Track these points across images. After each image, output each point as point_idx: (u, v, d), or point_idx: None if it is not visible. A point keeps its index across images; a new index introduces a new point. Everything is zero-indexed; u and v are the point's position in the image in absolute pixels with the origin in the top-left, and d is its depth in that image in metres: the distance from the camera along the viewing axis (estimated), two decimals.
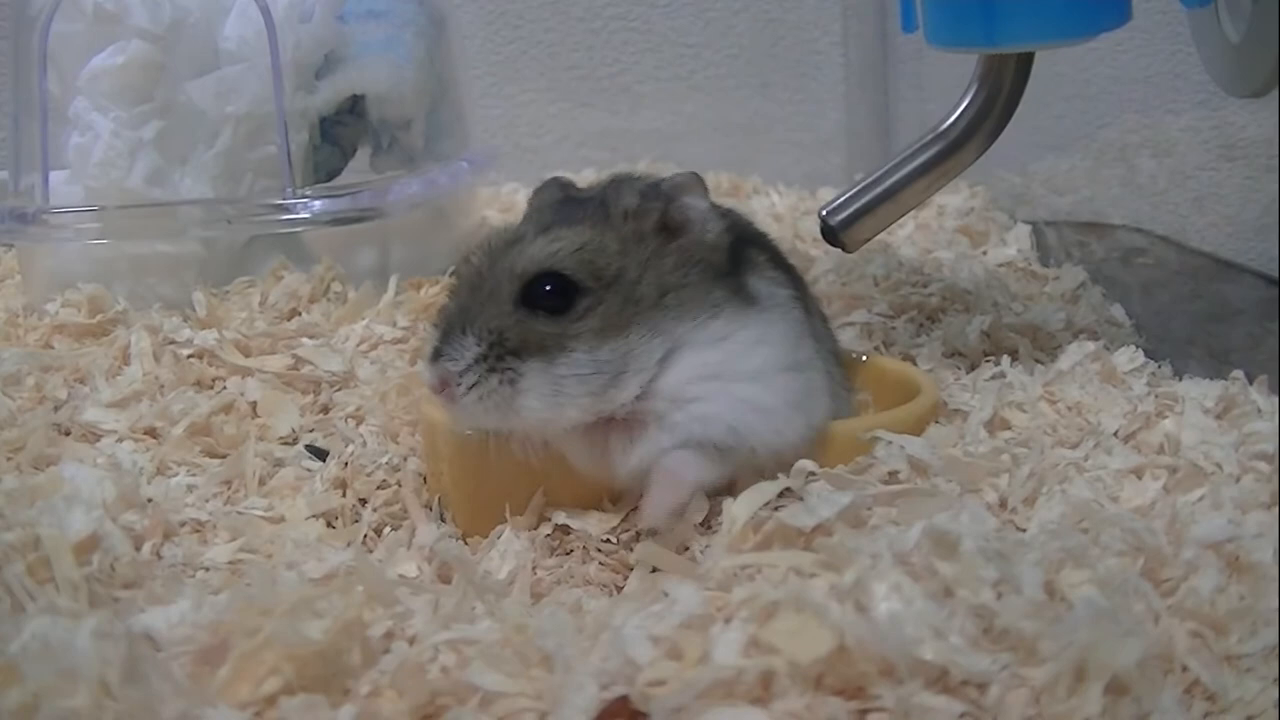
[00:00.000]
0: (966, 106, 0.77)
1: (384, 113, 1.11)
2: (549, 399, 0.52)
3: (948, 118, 0.77)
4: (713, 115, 1.62)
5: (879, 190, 0.78)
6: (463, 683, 0.43)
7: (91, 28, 1.05)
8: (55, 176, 1.05)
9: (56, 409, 0.78)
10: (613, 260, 0.53)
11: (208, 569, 0.59)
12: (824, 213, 0.78)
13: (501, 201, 1.36)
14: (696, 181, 0.55)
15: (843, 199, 0.78)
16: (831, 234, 0.78)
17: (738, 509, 0.50)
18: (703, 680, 0.40)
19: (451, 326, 0.53)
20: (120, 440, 0.74)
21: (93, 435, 0.75)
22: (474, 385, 0.52)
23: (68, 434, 0.76)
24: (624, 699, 0.41)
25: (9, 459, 0.68)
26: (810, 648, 0.40)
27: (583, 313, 0.52)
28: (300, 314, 0.92)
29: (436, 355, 0.53)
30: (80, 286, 1.00)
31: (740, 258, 0.57)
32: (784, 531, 0.49)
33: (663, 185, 0.55)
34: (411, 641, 0.46)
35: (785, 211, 1.34)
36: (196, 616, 0.47)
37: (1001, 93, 0.76)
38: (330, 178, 1.07)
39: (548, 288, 0.52)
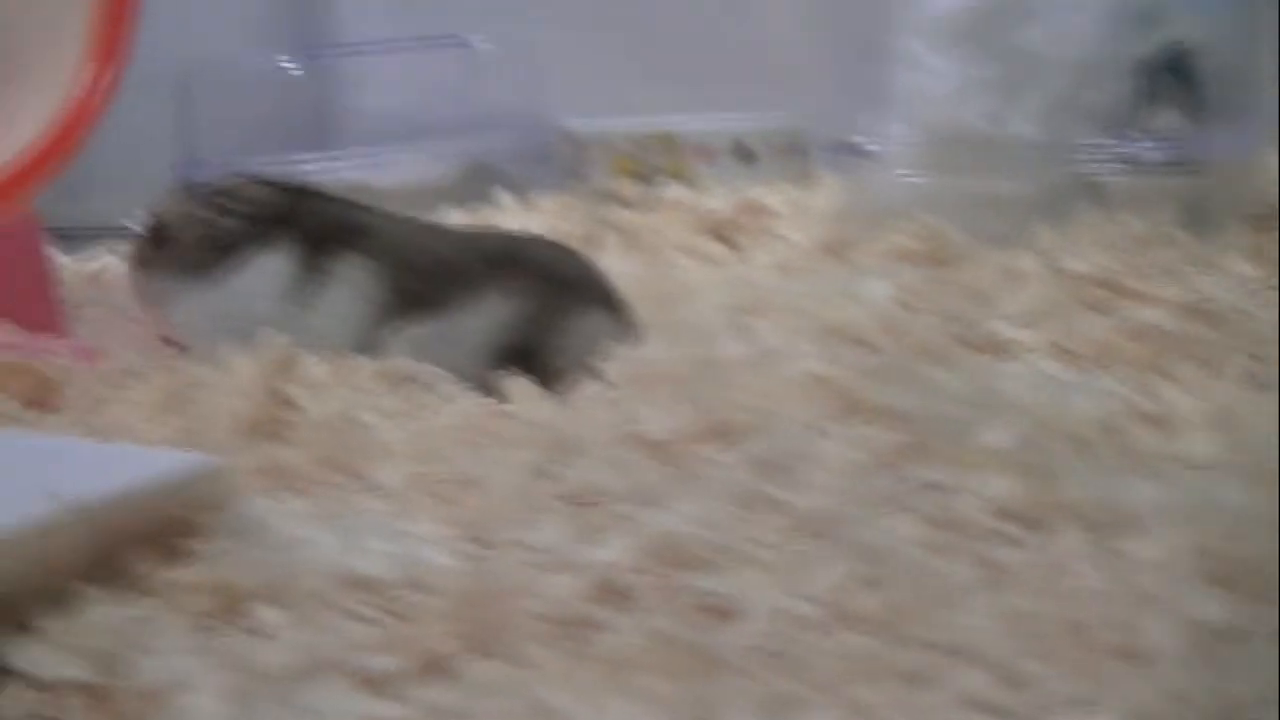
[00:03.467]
0: None
1: (1206, 64, 1.12)
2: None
3: None
4: None
5: None
6: None
7: None
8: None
9: (959, 323, 0.82)
10: (174, 224, 0.76)
11: None
12: None
13: None
14: (239, 187, 0.75)
15: None
16: None
17: None
18: None
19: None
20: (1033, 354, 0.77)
21: (1001, 349, 0.79)
22: None
23: (971, 346, 0.79)
24: None
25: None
26: None
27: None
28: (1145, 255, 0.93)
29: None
30: (917, 217, 1.06)
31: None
32: None
33: (217, 187, 0.75)
34: None
35: None
36: None
37: None
38: (1149, 126, 1.09)
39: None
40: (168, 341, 0.77)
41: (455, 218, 1.18)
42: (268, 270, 0.71)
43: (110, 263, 1.09)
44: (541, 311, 0.71)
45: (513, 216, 1.20)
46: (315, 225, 0.74)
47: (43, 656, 0.39)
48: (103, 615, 0.41)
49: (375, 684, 0.39)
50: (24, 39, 0.77)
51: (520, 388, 0.64)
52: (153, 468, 0.47)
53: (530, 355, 0.70)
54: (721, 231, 1.14)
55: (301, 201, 0.72)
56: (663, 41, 1.47)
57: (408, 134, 1.36)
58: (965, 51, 1.08)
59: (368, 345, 0.67)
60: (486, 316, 0.71)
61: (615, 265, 0.97)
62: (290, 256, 0.70)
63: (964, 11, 1.08)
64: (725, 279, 0.98)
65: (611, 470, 0.51)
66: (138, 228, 0.80)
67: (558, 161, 1.36)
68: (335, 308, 0.73)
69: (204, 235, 0.71)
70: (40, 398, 0.70)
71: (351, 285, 0.72)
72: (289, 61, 1.41)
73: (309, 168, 1.19)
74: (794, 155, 1.30)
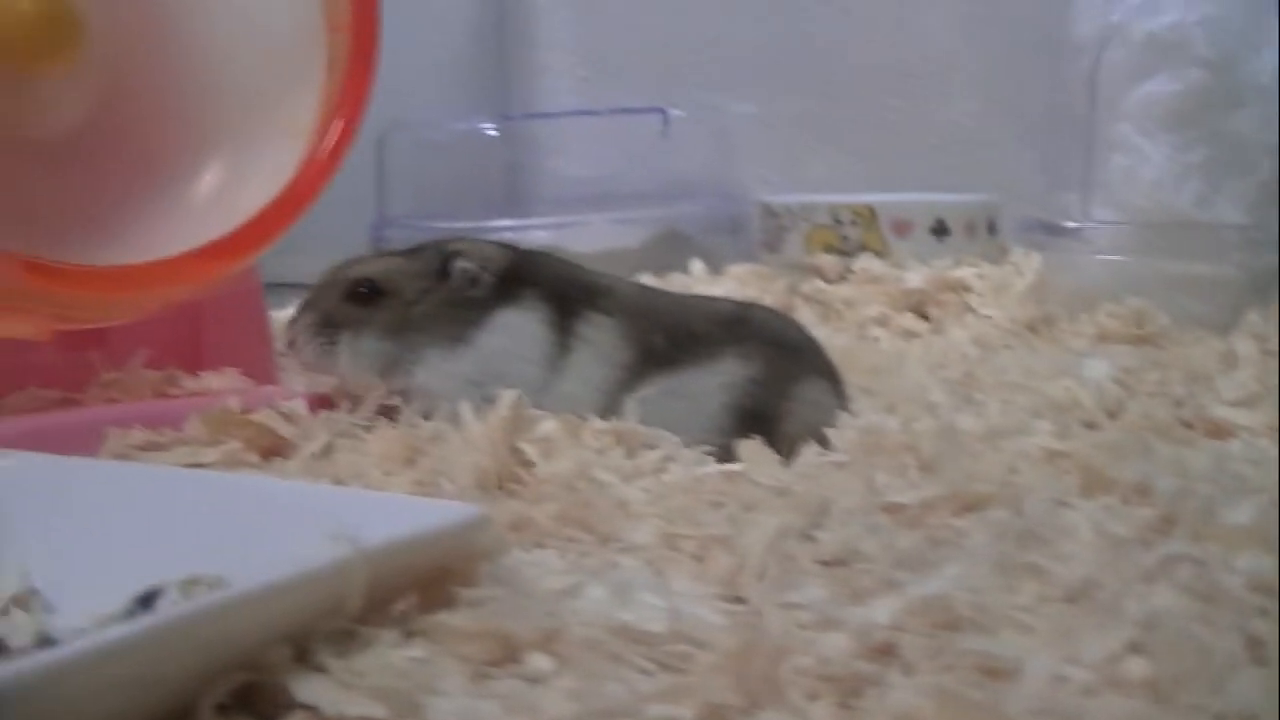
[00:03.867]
0: None
1: None
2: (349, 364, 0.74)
3: None
4: None
5: None
6: None
7: (1139, 55, 1.11)
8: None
9: (1178, 404, 0.82)
10: (396, 282, 0.73)
11: None
12: None
13: None
14: (472, 247, 0.73)
15: None
16: None
17: None
18: None
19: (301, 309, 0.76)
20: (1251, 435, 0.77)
21: (1222, 430, 0.79)
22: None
23: (1190, 427, 0.79)
24: None
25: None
26: None
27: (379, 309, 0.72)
28: None
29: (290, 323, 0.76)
30: (1124, 300, 1.05)
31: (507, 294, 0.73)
32: None
33: (449, 247, 0.73)
34: None
35: None
36: None
37: None
38: None
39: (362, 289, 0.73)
40: (383, 406, 0.77)
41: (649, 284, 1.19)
42: (516, 330, 0.71)
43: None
44: (772, 376, 0.71)
45: (704, 284, 1.21)
46: (557, 284, 0.75)
47: (330, 693, 0.40)
48: (385, 656, 0.42)
49: None
50: (261, 90, 0.79)
51: (753, 451, 0.64)
52: (425, 515, 0.48)
53: (758, 419, 0.70)
54: (918, 306, 1.14)
55: (536, 261, 0.73)
56: (860, 117, 1.48)
57: (601, 200, 1.38)
58: (1174, 136, 1.07)
59: (610, 408, 0.67)
60: (720, 377, 0.71)
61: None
62: (537, 316, 0.70)
63: (1174, 96, 1.08)
64: (929, 352, 0.98)
65: (867, 535, 0.51)
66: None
67: (751, 232, 1.38)
68: (581, 369, 0.73)
69: (444, 293, 0.71)
70: (272, 446, 0.72)
71: (596, 345, 0.73)
72: (486, 125, 1.44)
73: (503, 230, 1.21)
74: (989, 232, 1.30)
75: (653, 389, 0.72)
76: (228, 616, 0.40)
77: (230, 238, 0.77)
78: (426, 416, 0.67)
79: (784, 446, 0.68)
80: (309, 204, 0.78)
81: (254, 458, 0.71)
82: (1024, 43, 1.51)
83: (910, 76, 1.54)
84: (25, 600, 0.53)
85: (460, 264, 0.75)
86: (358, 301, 0.73)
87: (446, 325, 0.71)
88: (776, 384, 0.72)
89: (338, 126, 0.78)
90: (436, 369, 0.71)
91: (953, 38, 1.52)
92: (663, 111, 1.41)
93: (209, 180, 0.84)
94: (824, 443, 0.63)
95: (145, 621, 0.39)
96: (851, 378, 0.87)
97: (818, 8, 1.55)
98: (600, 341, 0.70)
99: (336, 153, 0.78)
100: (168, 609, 0.40)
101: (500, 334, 0.71)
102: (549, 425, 0.68)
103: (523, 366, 0.69)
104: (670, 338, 0.68)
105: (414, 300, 0.72)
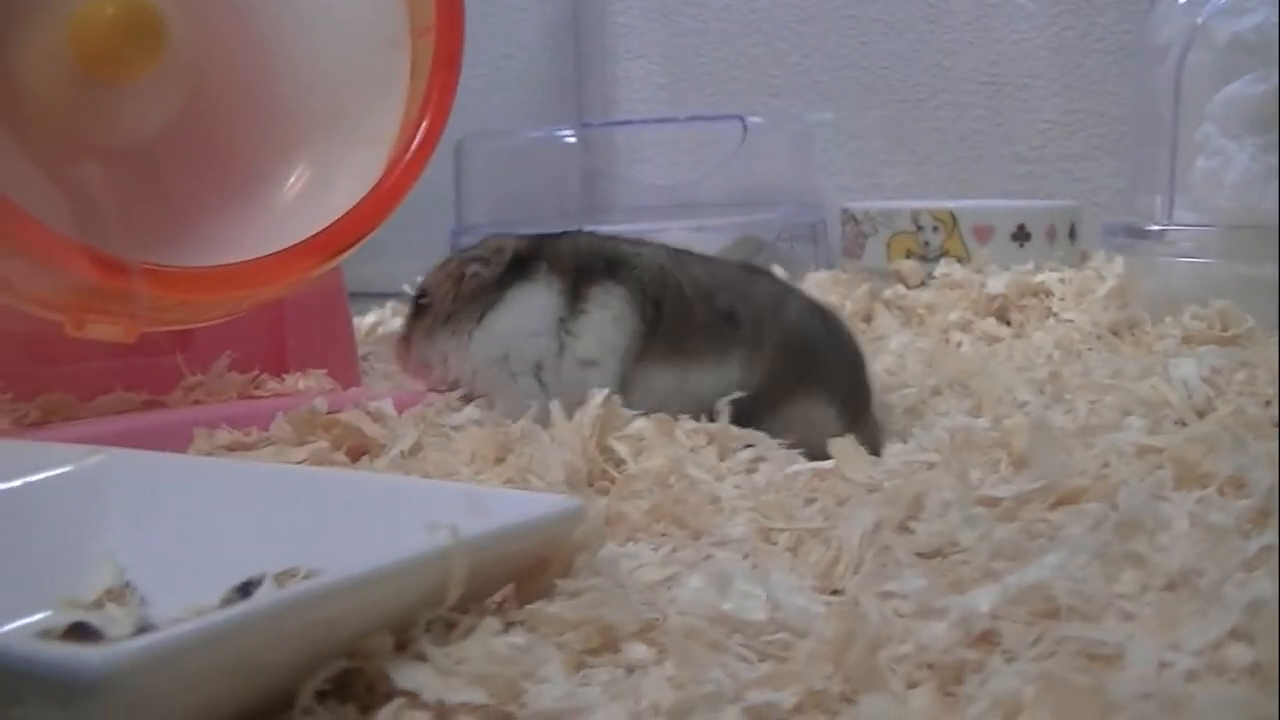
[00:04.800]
0: None
1: None
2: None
3: None
4: None
5: None
6: None
7: (1223, 57, 1.10)
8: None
9: (1267, 403, 0.81)
10: (433, 290, 0.77)
11: None
12: None
13: None
14: (485, 242, 0.77)
15: None
16: None
17: None
18: None
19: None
20: None
21: None
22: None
23: None
24: None
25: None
26: None
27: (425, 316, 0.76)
28: None
29: None
30: (1208, 302, 1.04)
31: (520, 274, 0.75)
32: None
33: (464, 254, 0.77)
34: None
35: None
36: None
37: None
38: None
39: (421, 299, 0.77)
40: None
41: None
42: (524, 304, 0.72)
43: (383, 317, 1.14)
44: (767, 390, 0.71)
45: None
46: (574, 257, 0.75)
47: (431, 680, 0.40)
48: (485, 644, 0.41)
49: (766, 718, 0.39)
50: (345, 95, 0.80)
51: (844, 448, 0.64)
52: (524, 507, 0.47)
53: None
54: (1000, 311, 1.13)
55: (550, 241, 0.73)
56: (938, 125, 1.47)
57: (679, 207, 1.38)
58: (1259, 137, 1.06)
59: (628, 378, 0.68)
60: (715, 381, 0.71)
61: (894, 341, 0.98)
62: (546, 288, 0.71)
63: (1258, 98, 1.07)
64: (1012, 356, 0.97)
65: (965, 527, 0.51)
66: (413, 295, 0.82)
67: (830, 239, 1.37)
68: (594, 335, 0.73)
69: (458, 290, 0.73)
70: (359, 446, 0.72)
71: (607, 311, 0.72)
72: (565, 132, 1.44)
73: None
74: (1070, 238, 1.29)
75: (655, 371, 0.72)
76: (329, 603, 0.40)
77: (317, 239, 0.77)
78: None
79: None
80: (395, 205, 0.78)
81: (341, 457, 0.71)
82: (1104, 49, 1.50)
83: (989, 84, 1.53)
84: (119, 594, 0.54)
85: (471, 263, 0.76)
86: (417, 310, 0.77)
87: (464, 319, 0.74)
88: (769, 398, 0.72)
89: (424, 129, 0.79)
90: (462, 359, 0.74)
91: (1033, 44, 1.51)
92: (741, 119, 1.41)
93: (293, 184, 0.85)
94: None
95: (248, 606, 0.39)
96: (937, 380, 0.87)
97: (895, 16, 1.54)
98: (612, 307, 0.70)
99: (422, 155, 0.78)
100: (270, 595, 0.40)
101: (509, 310, 0.72)
102: (641, 424, 0.68)
103: (533, 339, 0.71)
104: (682, 319, 0.69)
105: (442, 302, 0.75)
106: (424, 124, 0.78)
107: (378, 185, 0.77)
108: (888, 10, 1.54)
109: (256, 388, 0.83)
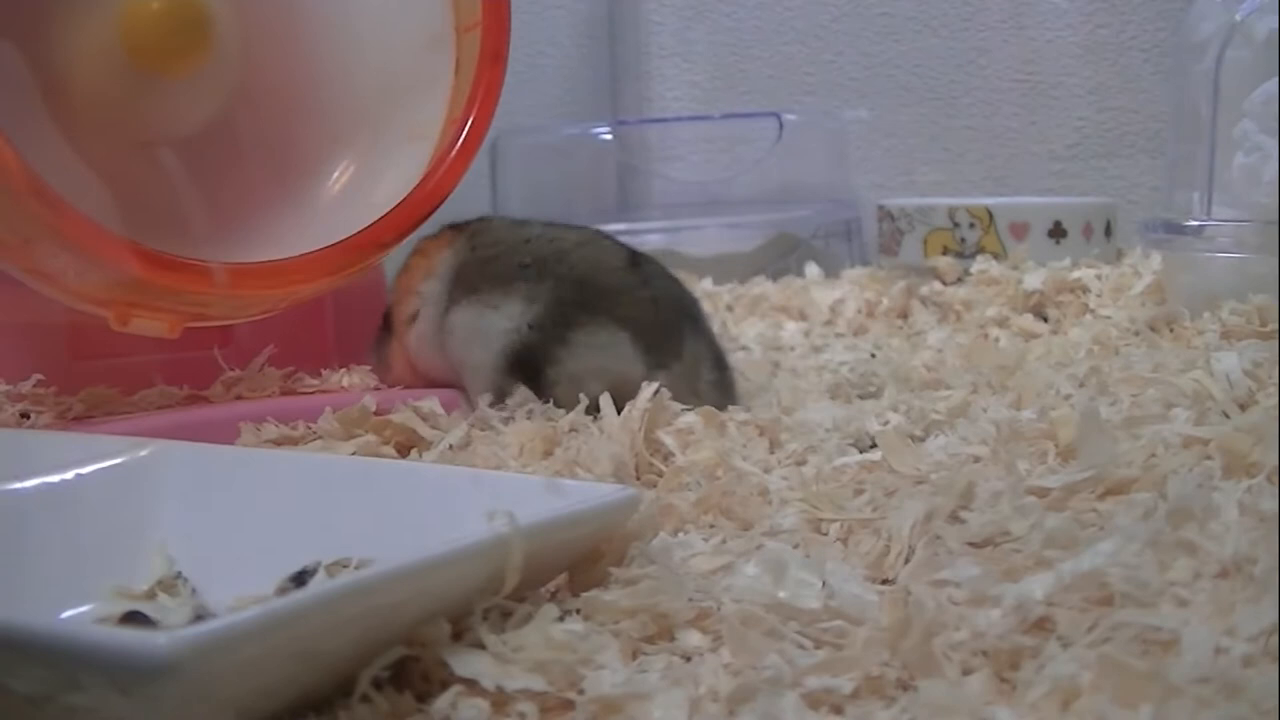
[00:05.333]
0: None
1: None
2: None
3: None
4: None
5: None
6: None
7: (1262, 53, 1.09)
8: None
9: None
10: None
11: None
12: None
13: None
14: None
15: None
16: None
17: None
18: None
19: None
20: None
21: None
22: None
23: None
24: None
25: None
26: None
27: None
28: None
29: None
30: (1247, 298, 1.04)
31: None
32: None
33: None
34: None
35: None
36: None
37: None
38: None
39: None
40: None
41: (763, 288, 1.20)
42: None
43: None
44: (550, 320, 0.76)
45: (820, 288, 1.20)
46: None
47: (490, 668, 0.40)
48: (544, 631, 0.42)
49: (824, 703, 0.39)
50: (390, 90, 0.80)
51: (891, 440, 0.64)
52: (578, 495, 0.48)
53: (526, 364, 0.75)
54: (1037, 307, 1.13)
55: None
56: (972, 123, 1.48)
57: (714, 204, 1.38)
58: None
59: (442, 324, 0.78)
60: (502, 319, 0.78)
61: (932, 336, 0.98)
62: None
63: None
64: (1050, 351, 0.97)
65: (1016, 516, 0.51)
66: None
67: (865, 236, 1.37)
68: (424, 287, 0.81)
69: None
70: (407, 441, 0.72)
71: (440, 278, 0.80)
72: (600, 129, 1.44)
73: (616, 234, 1.22)
74: (1105, 234, 1.29)
75: (456, 313, 0.77)
76: (389, 590, 0.40)
77: (362, 235, 0.77)
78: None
79: (549, 393, 0.71)
80: (441, 201, 0.78)
81: (389, 451, 0.71)
82: (1137, 46, 1.50)
83: (1023, 82, 1.53)
84: (170, 584, 0.54)
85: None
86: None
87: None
88: (556, 328, 0.74)
89: (470, 125, 0.79)
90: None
91: (1067, 43, 1.51)
92: (778, 116, 1.41)
93: (337, 179, 0.85)
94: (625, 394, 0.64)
95: (311, 592, 0.39)
96: (976, 375, 0.87)
97: (930, 14, 1.54)
98: (436, 269, 0.79)
99: (467, 151, 0.79)
100: (331, 581, 0.40)
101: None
102: (689, 417, 0.68)
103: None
104: (480, 269, 0.76)
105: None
106: (470, 120, 0.78)
107: (423, 181, 0.78)
108: (922, 8, 1.54)
109: (296, 384, 0.83)
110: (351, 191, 0.82)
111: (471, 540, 0.43)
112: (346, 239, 0.74)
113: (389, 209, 0.75)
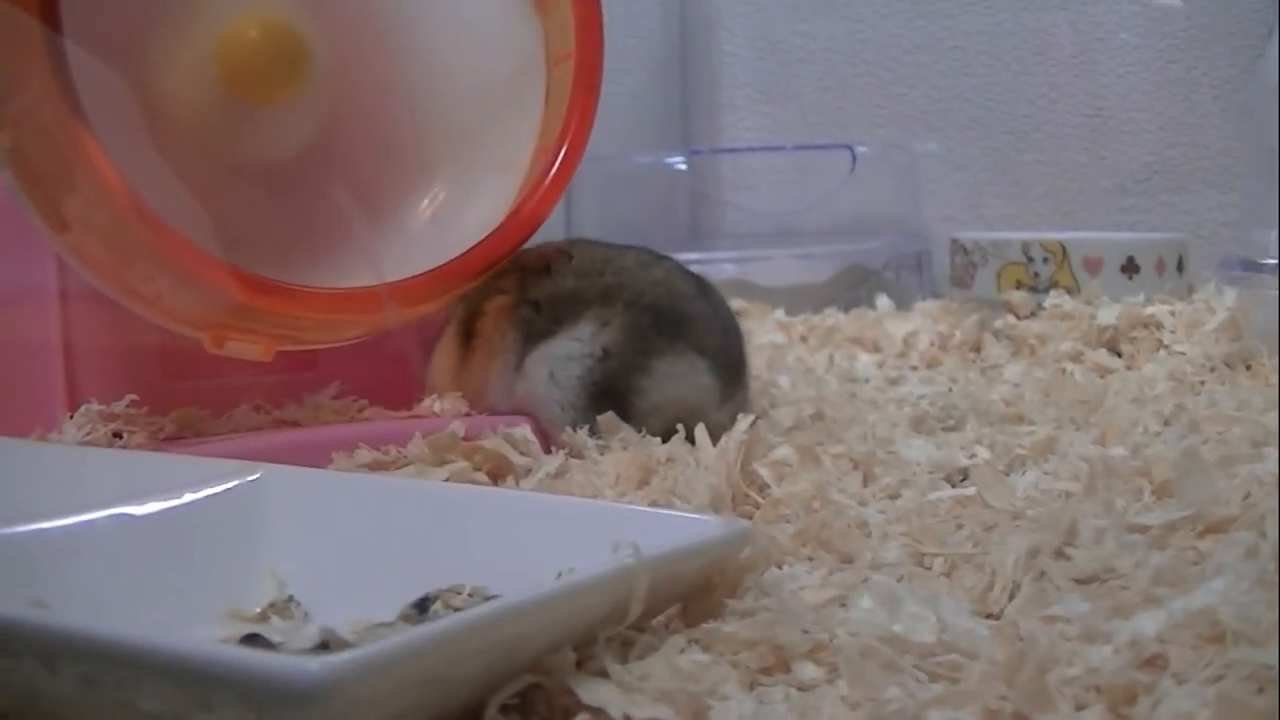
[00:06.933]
0: None
1: None
2: None
3: None
4: None
5: None
6: None
7: None
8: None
9: None
10: None
11: None
12: None
13: None
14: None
15: None
16: None
17: None
18: None
19: None
20: None
21: None
22: None
23: None
24: None
25: None
26: None
27: None
28: None
29: None
30: None
31: None
32: None
33: None
34: None
35: None
36: None
37: None
38: None
39: None
40: None
41: (836, 319, 1.21)
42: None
43: None
44: (629, 348, 0.76)
45: (892, 320, 1.21)
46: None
47: (616, 697, 0.41)
48: (670, 661, 0.42)
49: None
50: (480, 121, 0.81)
51: (984, 474, 0.65)
52: (695, 528, 0.48)
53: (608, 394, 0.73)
54: (1111, 342, 1.13)
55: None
56: (1044, 157, 1.48)
57: (787, 235, 1.39)
58: None
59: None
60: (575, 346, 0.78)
61: (1008, 370, 0.98)
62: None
63: None
64: (1127, 387, 0.97)
65: (1121, 553, 0.51)
66: None
67: (936, 268, 1.38)
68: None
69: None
70: (499, 468, 0.73)
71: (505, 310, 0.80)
72: (674, 159, 1.45)
73: (689, 264, 1.22)
74: (1178, 270, 1.29)
75: (530, 348, 0.76)
76: (522, 619, 0.41)
77: (453, 264, 0.78)
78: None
79: (640, 423, 0.70)
80: (533, 231, 0.79)
81: (482, 478, 0.72)
82: (1207, 83, 1.50)
83: (1093, 118, 1.54)
84: (282, 608, 0.55)
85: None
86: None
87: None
88: (635, 356, 0.73)
89: (563, 155, 0.80)
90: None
91: (1137, 79, 1.51)
92: (850, 148, 1.41)
93: (428, 206, 0.86)
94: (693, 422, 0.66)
95: (448, 622, 0.40)
96: (1055, 411, 0.87)
97: (1000, 49, 1.55)
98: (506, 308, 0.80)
99: (559, 181, 0.80)
100: (468, 611, 0.41)
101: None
102: (784, 450, 0.69)
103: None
104: (551, 298, 0.76)
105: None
106: (564, 149, 0.79)
107: (515, 210, 0.79)
108: (993, 43, 1.55)
109: (379, 410, 0.84)
110: (441, 219, 0.83)
111: (599, 571, 0.43)
112: (439, 267, 0.75)
113: (479, 237, 0.76)
